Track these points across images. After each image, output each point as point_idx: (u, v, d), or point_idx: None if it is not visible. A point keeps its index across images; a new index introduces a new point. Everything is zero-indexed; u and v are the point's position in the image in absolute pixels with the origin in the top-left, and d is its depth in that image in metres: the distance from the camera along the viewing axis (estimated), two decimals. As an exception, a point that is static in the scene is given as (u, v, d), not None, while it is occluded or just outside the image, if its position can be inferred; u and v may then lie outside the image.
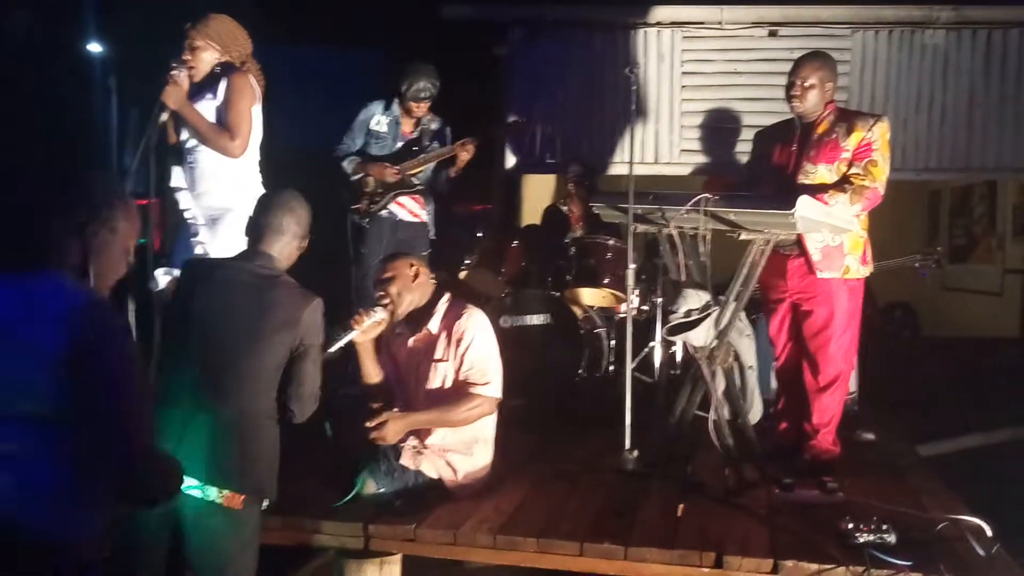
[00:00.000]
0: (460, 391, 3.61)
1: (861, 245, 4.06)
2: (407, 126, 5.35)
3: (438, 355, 3.68)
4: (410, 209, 5.35)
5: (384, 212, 5.29)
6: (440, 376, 3.67)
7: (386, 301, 3.63)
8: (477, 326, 3.68)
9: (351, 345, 3.59)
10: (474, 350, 3.63)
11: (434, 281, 3.81)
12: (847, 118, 4.06)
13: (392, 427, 3.48)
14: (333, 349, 3.48)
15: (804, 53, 4.22)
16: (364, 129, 5.35)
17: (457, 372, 3.64)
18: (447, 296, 3.79)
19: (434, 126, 5.38)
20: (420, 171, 5.26)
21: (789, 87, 4.09)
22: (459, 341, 3.63)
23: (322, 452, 3.83)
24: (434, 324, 3.71)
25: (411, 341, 3.76)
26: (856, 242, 4.03)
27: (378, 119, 5.34)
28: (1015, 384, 5.81)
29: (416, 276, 3.72)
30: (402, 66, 5.30)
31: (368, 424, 3.46)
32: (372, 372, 3.69)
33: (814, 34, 6.84)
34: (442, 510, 3.43)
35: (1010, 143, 6.72)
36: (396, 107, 5.33)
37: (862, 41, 6.87)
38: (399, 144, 5.33)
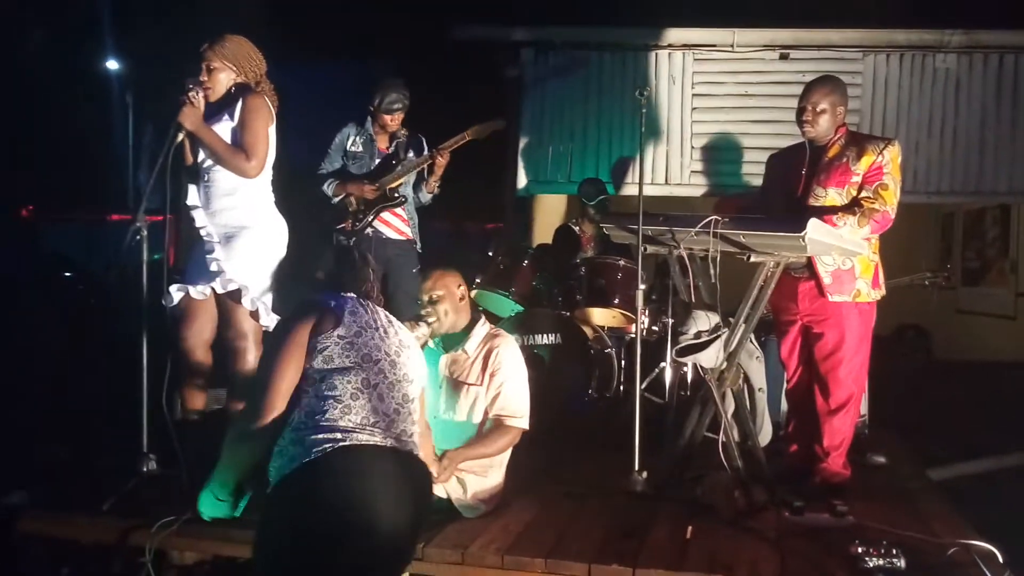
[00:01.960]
0: (496, 424, 3.66)
1: (872, 269, 4.05)
2: (382, 142, 5.41)
3: (472, 379, 3.71)
4: (395, 227, 5.39)
5: (368, 230, 5.32)
6: (471, 398, 3.70)
7: (432, 320, 3.66)
8: (514, 357, 3.73)
9: None
10: (510, 383, 3.67)
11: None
12: (858, 142, 4.07)
13: (451, 468, 3.48)
14: None
15: (814, 77, 4.24)
16: (341, 151, 5.42)
17: (491, 401, 3.68)
18: (484, 320, 3.83)
19: (413, 140, 5.41)
20: (400, 183, 5.30)
21: (800, 112, 4.09)
22: (495, 372, 3.67)
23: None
24: (471, 346, 3.75)
25: (444, 359, 3.78)
26: (867, 266, 4.03)
27: (353, 139, 5.40)
28: (1027, 408, 5.78)
29: (463, 297, 3.77)
30: (373, 84, 5.36)
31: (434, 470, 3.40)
32: None
33: (825, 57, 6.88)
34: (450, 529, 3.42)
35: (1022, 167, 6.72)
36: (370, 125, 5.39)
37: (873, 65, 6.89)
38: (377, 160, 5.39)
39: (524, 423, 3.69)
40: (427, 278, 3.77)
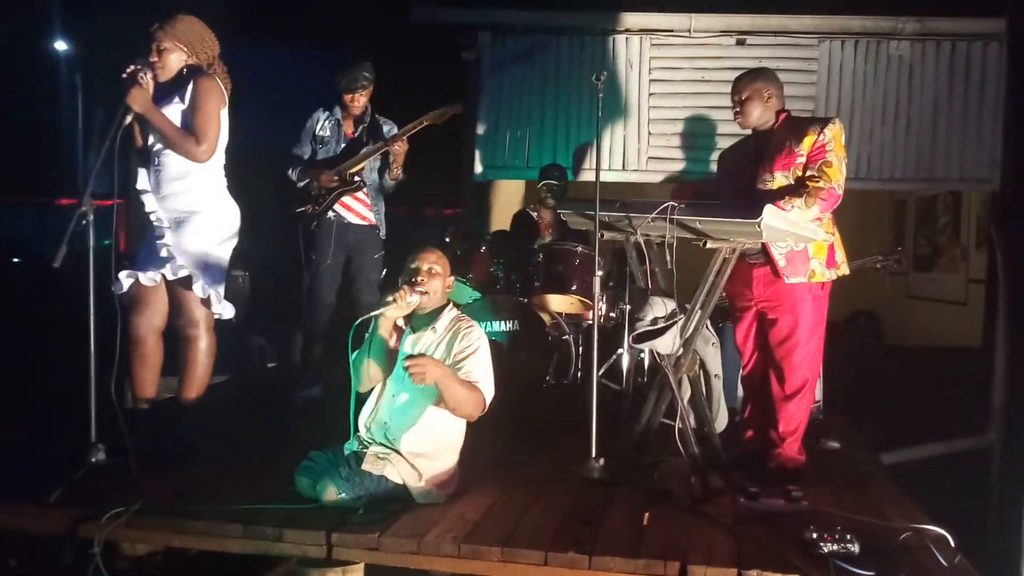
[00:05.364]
0: (469, 383, 3.59)
1: (825, 249, 4.09)
2: (348, 127, 5.44)
3: (438, 356, 3.66)
4: (357, 212, 5.39)
5: (331, 215, 5.33)
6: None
7: (423, 290, 3.64)
8: (482, 340, 3.70)
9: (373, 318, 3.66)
10: (477, 357, 3.63)
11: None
12: (799, 124, 4.13)
13: (431, 368, 3.42)
14: (369, 316, 3.64)
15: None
16: (310, 136, 5.46)
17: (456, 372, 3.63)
18: (452, 305, 3.81)
19: (387, 126, 5.41)
20: (359, 169, 5.30)
21: (732, 106, 4.19)
22: (463, 349, 3.63)
23: (284, 459, 3.80)
24: (440, 325, 3.72)
25: (410, 339, 3.75)
26: (820, 246, 4.06)
27: (322, 124, 5.43)
28: (976, 393, 5.87)
29: (450, 286, 3.78)
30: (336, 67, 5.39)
31: (407, 362, 3.41)
32: (383, 349, 3.70)
33: (781, 43, 6.91)
34: (406, 518, 3.40)
35: (973, 154, 6.80)
36: (338, 110, 5.39)
37: (829, 51, 6.93)
38: (342, 145, 5.40)
39: (487, 394, 3.63)
40: (427, 251, 3.75)
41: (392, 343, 3.73)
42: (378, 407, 3.72)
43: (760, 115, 4.13)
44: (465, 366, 3.61)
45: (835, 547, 3.07)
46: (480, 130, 7.24)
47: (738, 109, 4.16)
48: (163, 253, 3.95)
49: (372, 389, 3.78)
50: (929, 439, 5.43)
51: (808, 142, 4.00)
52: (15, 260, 12.75)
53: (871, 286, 6.61)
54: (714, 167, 5.18)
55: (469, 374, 3.60)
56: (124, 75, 3.85)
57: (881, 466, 4.59)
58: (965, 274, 9.11)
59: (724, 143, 4.59)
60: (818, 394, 5.01)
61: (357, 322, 3.59)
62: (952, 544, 3.19)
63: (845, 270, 4.17)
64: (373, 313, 3.63)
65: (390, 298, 3.61)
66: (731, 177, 4.29)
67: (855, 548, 3.07)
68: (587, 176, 6.99)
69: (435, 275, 3.69)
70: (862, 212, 9.28)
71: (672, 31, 7.04)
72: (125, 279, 3.99)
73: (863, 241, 5.55)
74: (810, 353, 4.14)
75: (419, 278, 3.66)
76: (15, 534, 3.55)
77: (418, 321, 3.76)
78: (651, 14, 7.04)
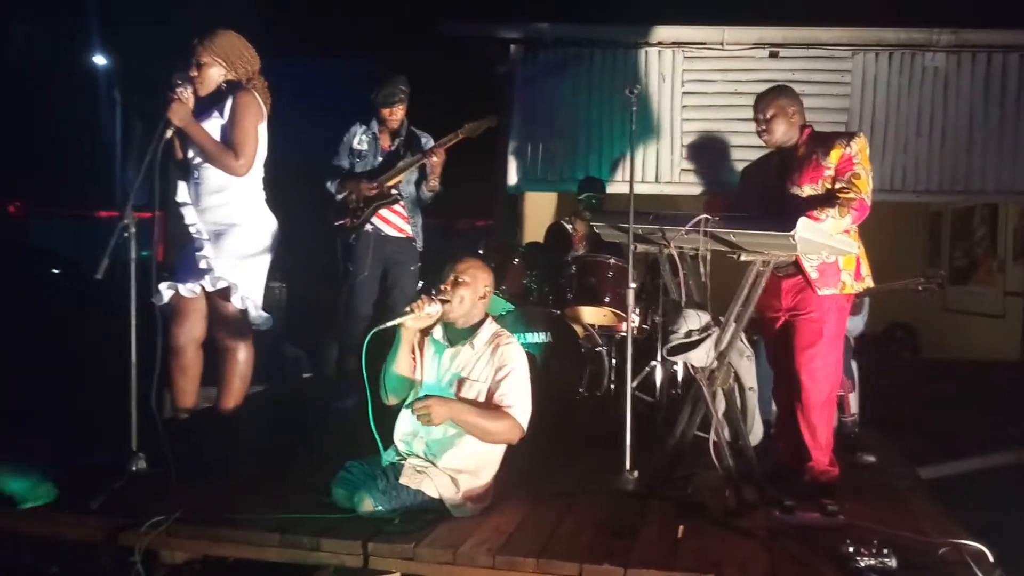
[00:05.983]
0: (498, 410, 3.58)
1: (854, 261, 4.08)
2: (385, 140, 5.48)
3: (474, 375, 3.64)
4: (395, 224, 5.43)
5: (369, 227, 5.37)
6: (472, 394, 3.62)
7: (446, 299, 3.60)
8: (520, 358, 3.68)
9: (395, 329, 3.60)
10: (514, 379, 3.61)
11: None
12: (824, 139, 4.14)
13: (437, 409, 3.42)
14: (384, 326, 3.54)
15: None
16: (348, 150, 5.49)
17: (491, 394, 3.61)
18: (491, 320, 3.78)
19: (424, 139, 5.46)
20: (397, 182, 5.34)
21: (756, 125, 4.20)
22: (500, 367, 3.61)
23: (320, 469, 3.83)
24: (478, 342, 3.68)
25: (448, 353, 3.73)
26: (849, 258, 4.06)
27: (359, 138, 5.47)
28: (1015, 407, 5.80)
29: (483, 296, 3.71)
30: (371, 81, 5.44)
31: (415, 405, 3.42)
32: (404, 361, 3.67)
33: (815, 56, 6.91)
34: (442, 529, 3.41)
35: (1010, 166, 6.75)
36: (375, 124, 5.43)
37: (863, 63, 6.91)
38: (379, 159, 5.44)
39: (522, 418, 3.61)
40: (461, 261, 3.72)
41: (416, 355, 3.71)
42: (415, 422, 3.71)
43: (785, 131, 4.14)
44: (500, 388, 3.59)
45: (872, 561, 3.05)
46: (513, 143, 7.28)
47: (763, 127, 4.17)
48: (202, 265, 4.01)
49: (405, 400, 3.78)
50: (967, 454, 5.36)
51: (836, 155, 4.01)
52: (55, 271, 12.94)
53: (907, 299, 6.56)
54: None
55: (503, 397, 3.58)
56: (170, 94, 3.91)
57: (918, 480, 4.54)
58: (1002, 287, 9.03)
59: (757, 155, 4.58)
60: (854, 407, 4.98)
61: (372, 332, 3.51)
62: (991, 560, 3.16)
63: (870, 283, 4.16)
64: (388, 324, 3.57)
65: (408, 308, 3.57)
66: (756, 192, 4.30)
67: (892, 563, 3.05)
68: (620, 188, 7.01)
69: (462, 284, 3.64)
70: (898, 224, 9.22)
71: (705, 44, 7.06)
72: (165, 290, 4.04)
73: (899, 253, 5.53)
74: (831, 363, 4.12)
75: (442, 287, 3.65)
76: (56, 542, 3.60)
77: (455, 335, 3.74)
78: (684, 27, 7.07)
